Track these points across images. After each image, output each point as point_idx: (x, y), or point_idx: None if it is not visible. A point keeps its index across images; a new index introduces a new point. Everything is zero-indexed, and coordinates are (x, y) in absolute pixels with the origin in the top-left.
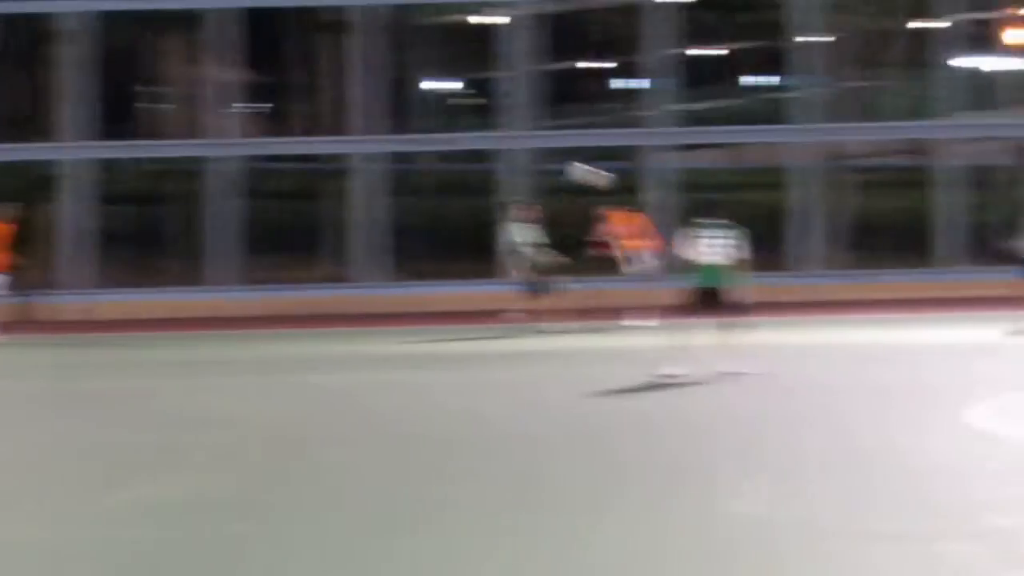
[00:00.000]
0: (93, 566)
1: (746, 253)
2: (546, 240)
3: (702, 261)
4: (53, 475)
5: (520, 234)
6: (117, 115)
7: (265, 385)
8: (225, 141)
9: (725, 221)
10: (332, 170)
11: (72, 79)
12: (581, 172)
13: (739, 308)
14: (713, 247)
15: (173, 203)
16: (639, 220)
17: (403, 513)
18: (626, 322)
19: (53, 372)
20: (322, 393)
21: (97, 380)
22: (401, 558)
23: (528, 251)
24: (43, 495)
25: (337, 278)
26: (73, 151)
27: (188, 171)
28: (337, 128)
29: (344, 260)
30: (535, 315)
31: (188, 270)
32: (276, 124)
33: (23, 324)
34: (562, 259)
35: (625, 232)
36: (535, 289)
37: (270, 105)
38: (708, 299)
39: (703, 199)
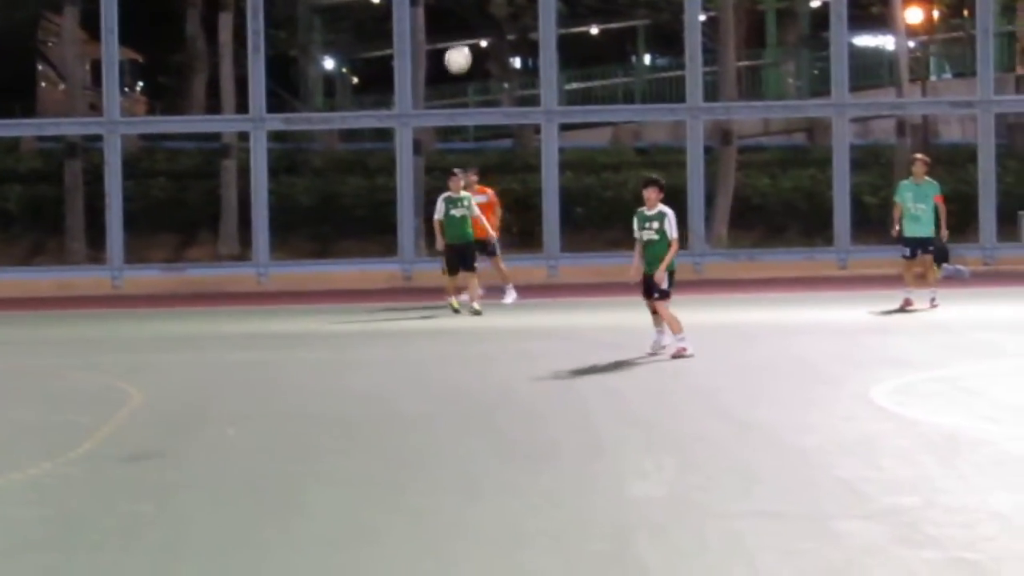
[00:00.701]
0: None
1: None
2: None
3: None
4: None
5: (449, 206)
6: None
7: (166, 362)
8: (118, 120)
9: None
10: (224, 148)
11: None
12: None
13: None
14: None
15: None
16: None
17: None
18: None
19: None
20: (224, 370)
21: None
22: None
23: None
24: None
25: (236, 256)
26: None
27: (85, 149)
28: (231, 107)
29: (237, 239)
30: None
31: (85, 249)
32: (171, 103)
33: None
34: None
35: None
36: (459, 264)
37: (159, 84)
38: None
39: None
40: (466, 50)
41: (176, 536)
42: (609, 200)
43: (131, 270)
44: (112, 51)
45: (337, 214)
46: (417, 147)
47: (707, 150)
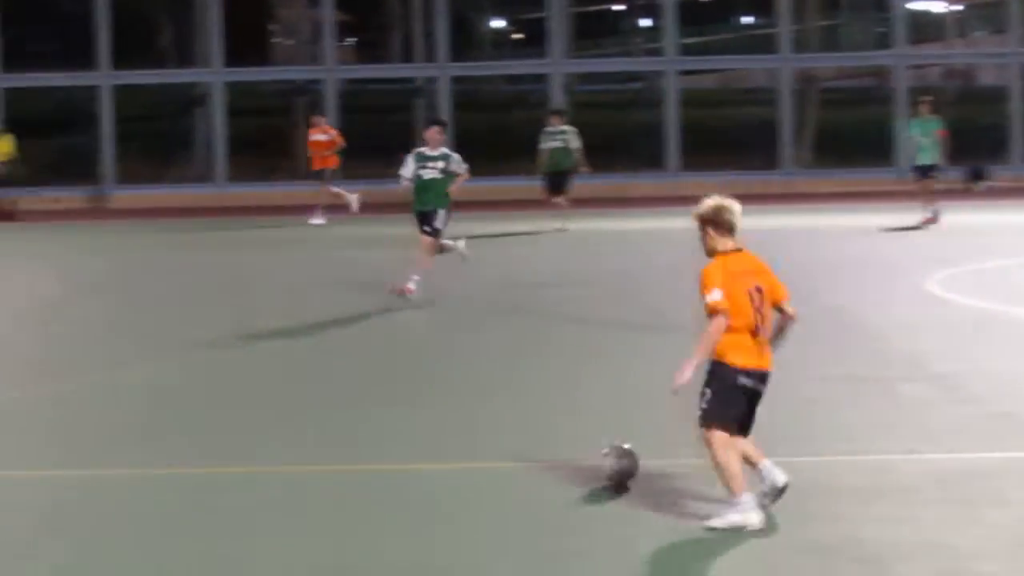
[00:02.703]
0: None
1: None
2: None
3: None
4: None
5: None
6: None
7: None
8: (333, 67)
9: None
10: (415, 90)
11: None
12: None
13: None
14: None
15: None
16: None
17: None
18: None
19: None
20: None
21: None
22: None
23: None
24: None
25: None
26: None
27: (308, 90)
28: (421, 57)
29: None
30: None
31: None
32: (373, 54)
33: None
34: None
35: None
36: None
37: (361, 38)
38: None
39: None
40: None
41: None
42: (717, 130)
43: (344, 185)
44: (328, 13)
45: (503, 142)
46: (565, 89)
47: (794, 91)
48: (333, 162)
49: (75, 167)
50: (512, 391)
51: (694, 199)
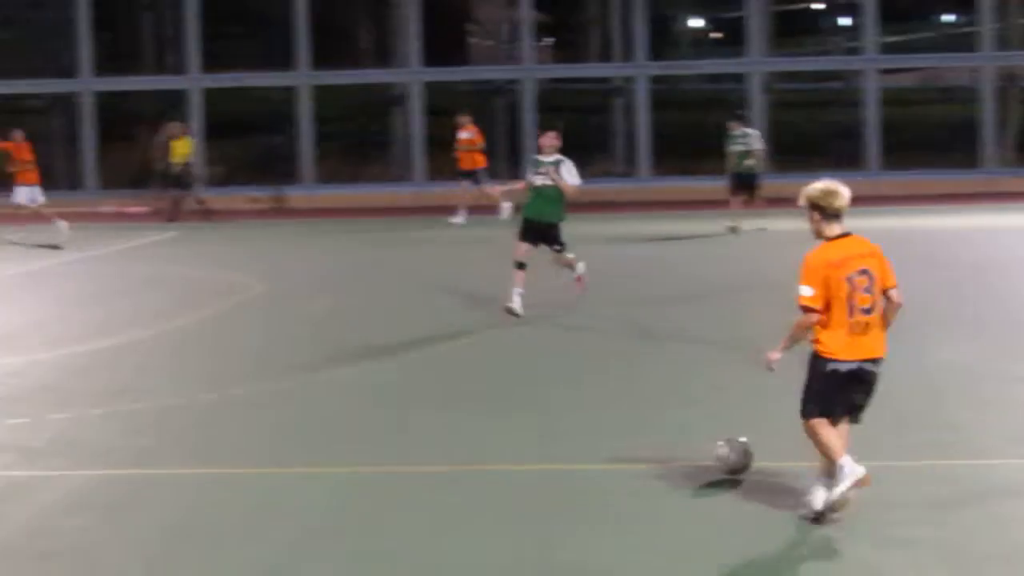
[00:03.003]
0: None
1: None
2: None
3: None
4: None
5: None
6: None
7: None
8: (532, 67)
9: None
10: (613, 89)
11: (411, 17)
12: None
13: None
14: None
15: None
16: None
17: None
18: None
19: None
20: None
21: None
22: None
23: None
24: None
25: (620, 173)
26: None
27: (506, 90)
28: (619, 56)
29: (624, 158)
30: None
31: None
32: (571, 53)
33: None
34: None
35: None
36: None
37: (558, 38)
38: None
39: None
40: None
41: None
42: (917, 128)
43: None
44: (526, 13)
45: (702, 141)
46: (764, 87)
47: (996, 89)
48: (482, 161)
49: (273, 167)
50: (709, 392)
51: (894, 199)
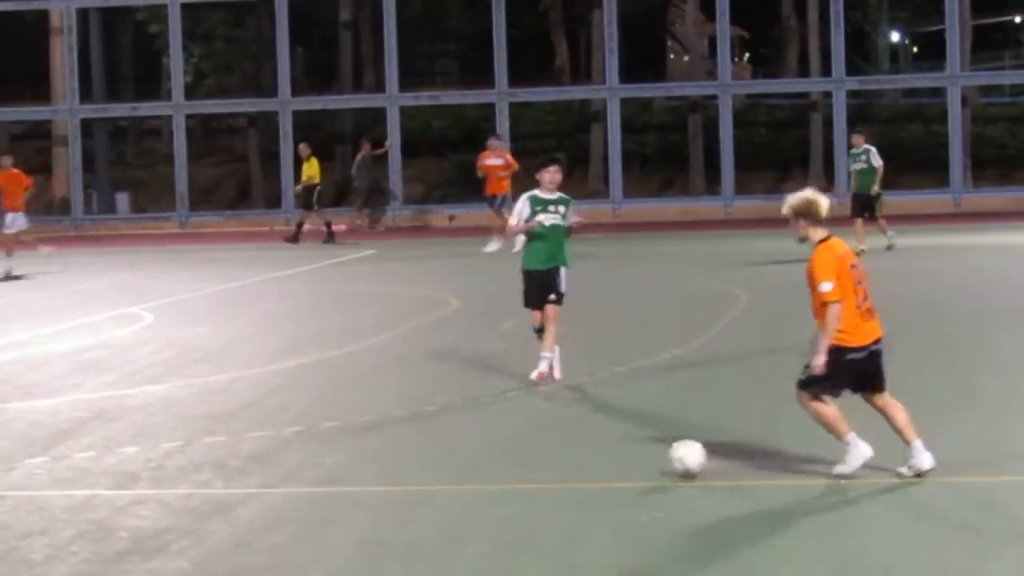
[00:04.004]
0: None
1: None
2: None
3: None
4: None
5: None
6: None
7: (771, 272)
8: (730, 82)
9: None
10: (811, 104)
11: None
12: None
13: None
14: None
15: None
16: None
17: None
18: None
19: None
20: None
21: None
22: None
23: None
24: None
25: (824, 188)
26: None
27: (703, 105)
28: (816, 71)
29: (823, 175)
30: None
31: (704, 183)
32: (768, 69)
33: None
34: None
35: None
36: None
37: (759, 54)
38: None
39: None
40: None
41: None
42: None
43: (739, 199)
44: (725, 29)
45: (899, 154)
46: (964, 101)
47: None
48: (506, 187)
49: (469, 184)
50: None
51: None
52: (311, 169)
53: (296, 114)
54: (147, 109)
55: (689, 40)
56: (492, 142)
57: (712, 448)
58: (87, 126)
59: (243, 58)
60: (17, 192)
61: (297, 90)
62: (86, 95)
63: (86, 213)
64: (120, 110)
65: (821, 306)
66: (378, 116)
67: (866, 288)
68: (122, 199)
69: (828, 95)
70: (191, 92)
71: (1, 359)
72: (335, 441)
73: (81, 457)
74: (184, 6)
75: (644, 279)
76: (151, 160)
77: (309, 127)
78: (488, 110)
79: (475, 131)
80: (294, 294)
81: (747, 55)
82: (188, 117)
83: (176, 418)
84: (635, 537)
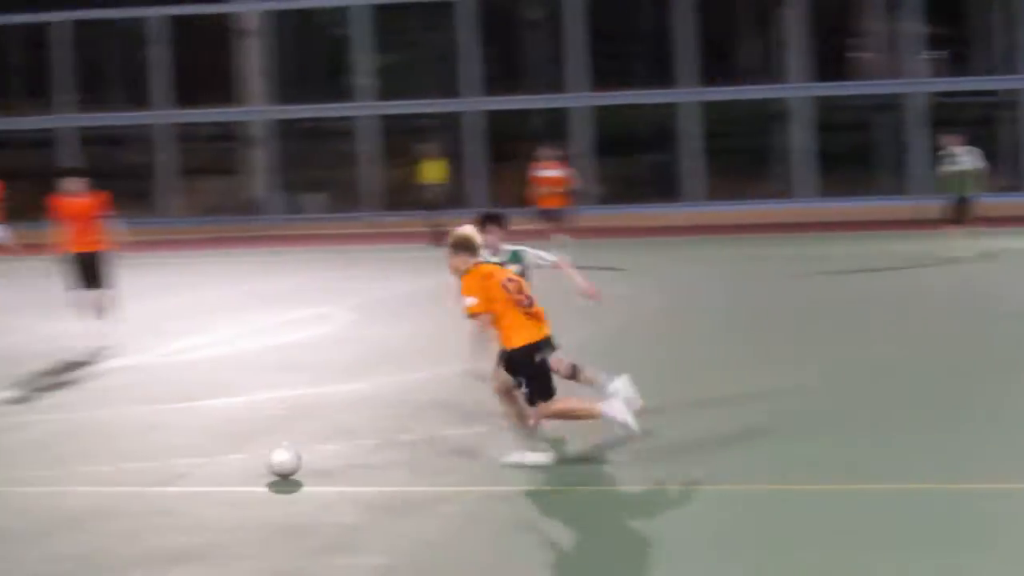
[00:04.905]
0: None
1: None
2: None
3: None
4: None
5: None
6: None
7: None
8: (914, 80)
9: None
10: (999, 103)
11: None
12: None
13: None
14: None
15: (877, 130)
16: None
17: None
18: None
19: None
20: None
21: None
22: None
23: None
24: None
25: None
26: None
27: (887, 105)
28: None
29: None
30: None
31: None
32: (954, 65)
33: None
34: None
35: None
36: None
37: (950, 51)
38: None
39: None
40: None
41: None
42: None
43: (926, 199)
44: (914, 26)
45: None
46: None
47: None
48: (560, 202)
49: (659, 184)
50: None
51: None
52: (439, 170)
53: (482, 115)
54: (335, 110)
55: (878, 37)
56: (544, 151)
57: None
58: (276, 127)
59: (431, 59)
60: None
61: (484, 91)
62: (275, 97)
63: (275, 213)
64: (308, 111)
65: None
66: (564, 116)
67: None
68: (311, 200)
69: (1017, 93)
70: (379, 93)
71: (199, 356)
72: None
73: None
74: (373, 7)
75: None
76: (340, 161)
77: (498, 128)
78: (674, 110)
79: (662, 131)
80: None
81: (938, 51)
82: (376, 118)
83: (372, 416)
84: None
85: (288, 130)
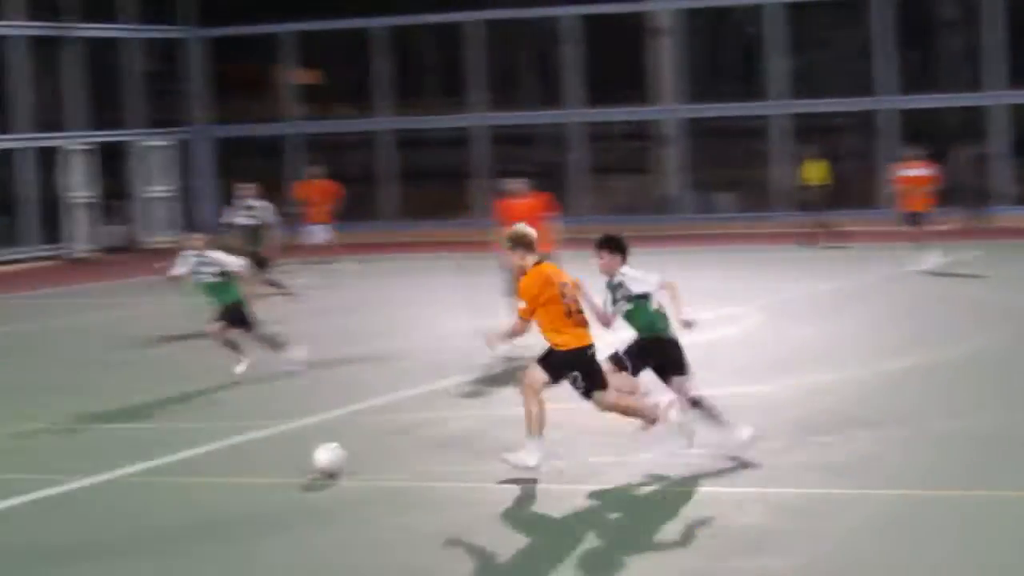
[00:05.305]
0: None
1: None
2: None
3: None
4: None
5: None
6: None
7: None
8: None
9: None
10: None
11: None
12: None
13: None
14: None
15: None
16: None
17: None
18: None
19: None
20: None
21: None
22: None
23: None
24: None
25: None
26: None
27: None
28: None
29: None
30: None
31: None
32: None
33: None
34: None
35: None
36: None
37: None
38: None
39: None
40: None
41: None
42: None
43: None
44: None
45: None
46: None
47: None
48: (927, 203)
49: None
50: None
51: None
52: (821, 171)
53: (896, 113)
54: (747, 109)
55: None
56: (911, 151)
57: None
58: (688, 126)
59: (845, 57)
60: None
61: (899, 89)
62: (687, 95)
63: (686, 212)
64: (720, 110)
65: None
66: (980, 115)
67: None
68: (723, 198)
69: None
70: (792, 91)
71: None
72: (937, 444)
73: (693, 453)
74: (786, 5)
75: None
76: (751, 160)
77: (914, 126)
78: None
79: None
80: (892, 294)
81: None
82: (787, 117)
83: (783, 417)
84: None
85: (700, 128)
